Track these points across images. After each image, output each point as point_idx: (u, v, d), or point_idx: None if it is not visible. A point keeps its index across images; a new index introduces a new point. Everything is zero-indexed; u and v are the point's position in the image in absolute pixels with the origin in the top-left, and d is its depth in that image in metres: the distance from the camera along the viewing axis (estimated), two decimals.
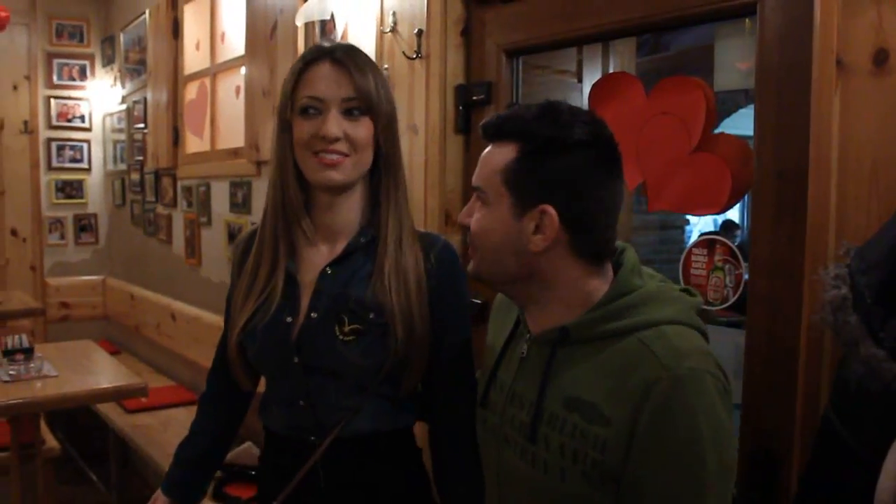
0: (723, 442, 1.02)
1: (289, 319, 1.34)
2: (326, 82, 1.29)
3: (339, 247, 1.37)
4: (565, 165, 1.11)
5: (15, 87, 5.21)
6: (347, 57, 1.30)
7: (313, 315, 1.33)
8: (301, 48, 2.95)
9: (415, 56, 2.33)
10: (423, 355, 1.35)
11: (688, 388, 1.01)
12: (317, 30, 2.86)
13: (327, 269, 1.36)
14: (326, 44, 1.34)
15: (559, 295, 1.16)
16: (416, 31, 2.32)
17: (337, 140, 1.29)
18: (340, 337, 1.30)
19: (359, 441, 1.36)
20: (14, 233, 5.29)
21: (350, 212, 1.38)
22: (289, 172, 1.35)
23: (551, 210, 1.11)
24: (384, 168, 1.36)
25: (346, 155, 1.30)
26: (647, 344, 1.06)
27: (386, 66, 2.47)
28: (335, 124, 1.28)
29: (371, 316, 1.31)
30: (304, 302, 1.35)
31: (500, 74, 2.18)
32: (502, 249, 1.15)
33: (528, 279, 1.17)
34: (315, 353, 1.32)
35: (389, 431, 1.39)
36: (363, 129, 1.31)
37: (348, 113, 1.30)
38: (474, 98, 2.23)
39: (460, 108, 2.27)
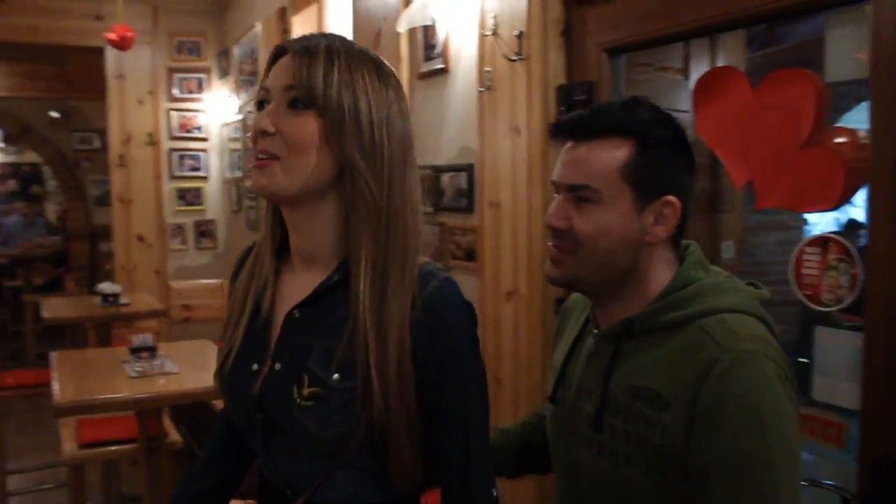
0: (783, 422, 1.02)
1: (255, 367, 1.10)
2: (276, 71, 1.05)
3: (316, 281, 1.08)
4: (678, 155, 1.16)
5: (140, 102, 5.52)
6: (303, 45, 1.04)
7: (277, 367, 1.08)
8: (405, 54, 3.01)
9: (516, 58, 2.34)
10: (406, 430, 1.04)
11: (745, 368, 1.02)
12: (419, 35, 2.91)
13: (295, 311, 1.09)
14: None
15: (642, 287, 1.17)
16: (516, 33, 2.33)
17: (265, 135, 1.02)
18: (298, 400, 1.04)
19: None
20: (141, 239, 5.60)
21: (318, 236, 1.08)
22: None
23: (675, 200, 1.14)
24: (348, 182, 1.03)
25: (276, 157, 1.02)
26: (707, 329, 1.07)
27: (488, 68, 2.49)
28: (267, 116, 1.02)
29: (335, 378, 1.02)
30: (272, 348, 1.10)
31: (602, 74, 2.16)
32: (619, 246, 1.14)
33: (624, 276, 1.17)
34: (275, 411, 1.07)
35: (380, 502, 1.10)
36: (302, 125, 1.01)
37: (292, 105, 1.02)
38: (576, 98, 2.22)
39: (562, 108, 2.26)
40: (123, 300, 4.57)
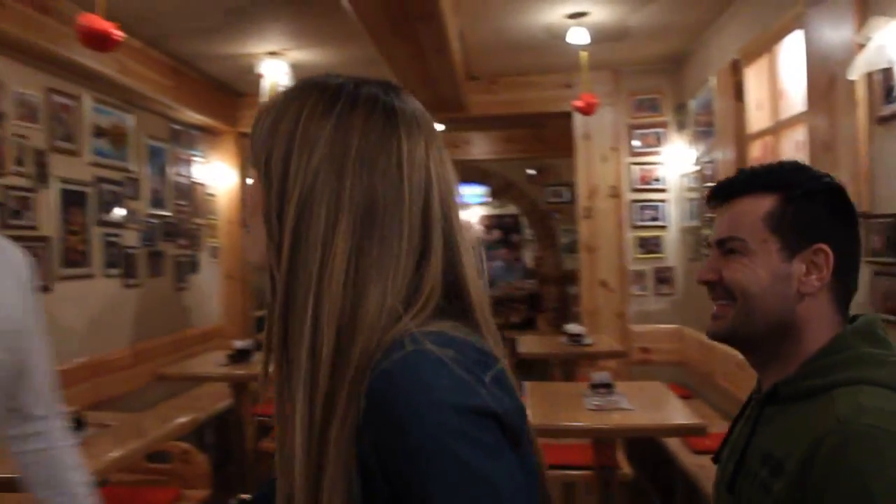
0: None
1: None
2: None
3: None
4: (831, 206, 1.14)
5: (604, 158, 6.01)
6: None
7: None
8: (861, 99, 2.92)
9: None
10: None
11: (859, 445, 0.93)
12: (877, 77, 2.80)
13: None
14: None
15: (800, 348, 1.13)
16: None
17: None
18: None
19: None
20: (604, 284, 6.05)
21: None
22: None
23: (827, 248, 1.11)
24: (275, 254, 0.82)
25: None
26: (835, 398, 1.01)
27: None
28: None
29: None
30: None
31: None
32: (769, 295, 1.12)
33: (783, 333, 1.13)
34: None
35: None
36: (253, 194, 0.86)
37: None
38: None
39: None
40: (587, 340, 5.01)
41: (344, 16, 4.17)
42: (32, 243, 4.22)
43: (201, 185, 6.45)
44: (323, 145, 0.81)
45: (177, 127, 6.03)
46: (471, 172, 10.05)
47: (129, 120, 5.29)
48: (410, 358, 0.71)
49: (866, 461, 0.93)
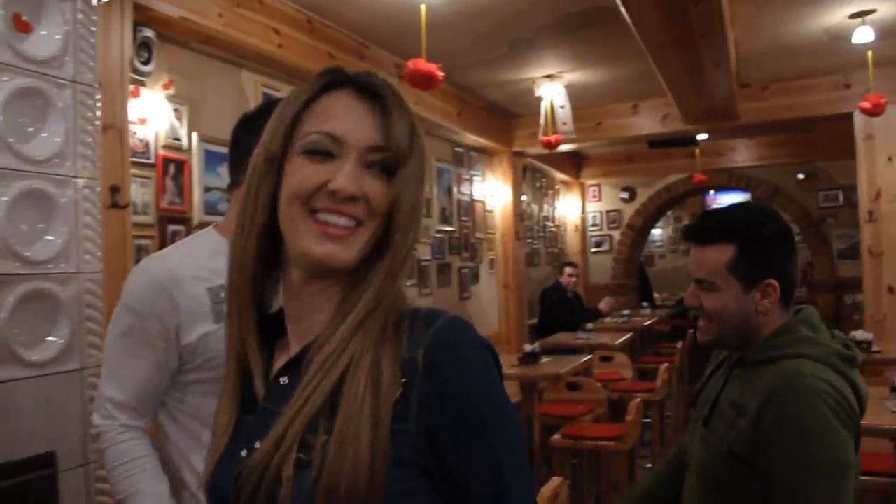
0: (828, 442, 1.33)
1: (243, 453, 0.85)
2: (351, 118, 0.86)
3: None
4: (777, 249, 1.56)
5: (889, 160, 5.75)
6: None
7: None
8: None
9: None
10: None
11: (797, 399, 1.37)
12: None
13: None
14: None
15: (763, 335, 1.55)
16: None
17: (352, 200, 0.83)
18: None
19: None
20: (891, 290, 5.78)
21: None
22: (254, 230, 0.88)
23: (774, 282, 1.53)
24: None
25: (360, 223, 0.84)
26: (782, 368, 1.45)
27: None
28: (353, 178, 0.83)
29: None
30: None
31: None
32: (737, 318, 1.55)
33: (748, 334, 1.56)
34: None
35: None
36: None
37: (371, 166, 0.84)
38: None
39: None
40: (875, 348, 4.85)
41: (620, 37, 4.46)
42: None
43: (480, 201, 6.99)
44: None
45: (459, 149, 6.61)
46: (735, 179, 9.87)
47: None
48: (455, 320, 0.83)
49: (801, 409, 1.37)
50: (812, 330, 1.54)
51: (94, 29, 2.31)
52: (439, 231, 6.18)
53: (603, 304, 6.92)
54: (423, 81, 3.47)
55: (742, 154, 9.01)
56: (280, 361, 0.90)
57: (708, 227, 1.61)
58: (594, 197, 10.46)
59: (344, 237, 0.82)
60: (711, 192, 12.10)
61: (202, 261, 1.54)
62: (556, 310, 6.60)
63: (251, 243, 0.87)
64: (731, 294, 1.55)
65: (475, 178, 6.93)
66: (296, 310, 0.88)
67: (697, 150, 8.59)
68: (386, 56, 4.85)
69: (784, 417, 1.37)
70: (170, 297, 1.49)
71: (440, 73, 3.48)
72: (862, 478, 3.55)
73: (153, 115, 3.40)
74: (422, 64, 3.45)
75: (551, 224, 9.37)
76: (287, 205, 0.83)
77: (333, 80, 0.87)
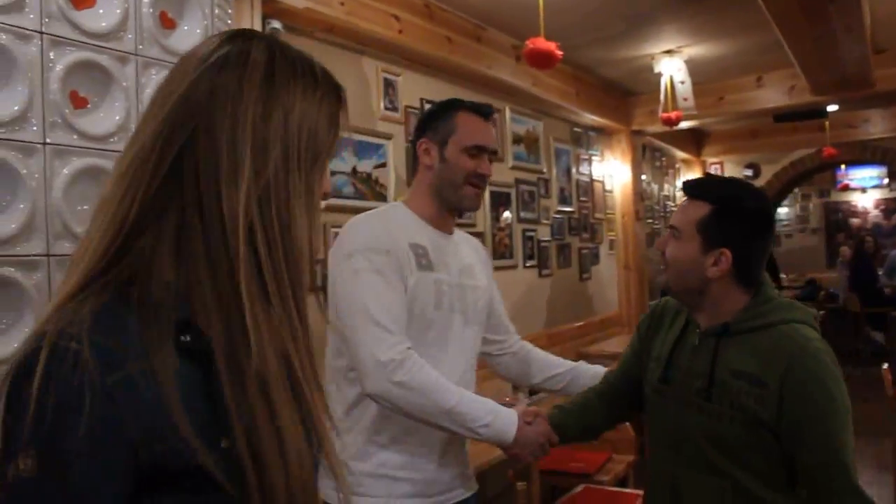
0: (842, 390, 1.55)
1: None
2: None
3: None
4: (743, 225, 1.66)
5: None
6: None
7: None
8: None
9: None
10: None
11: (817, 358, 1.56)
12: None
13: None
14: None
15: (722, 307, 1.69)
16: None
17: None
18: None
19: None
20: None
21: None
22: None
23: (728, 253, 1.65)
24: None
25: None
26: (786, 333, 1.61)
27: None
28: None
29: None
30: None
31: None
32: (687, 272, 1.70)
33: (702, 294, 1.70)
34: None
35: None
36: None
37: None
38: None
39: None
40: None
41: (743, 7, 4.33)
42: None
43: (599, 181, 6.93)
44: None
45: (577, 129, 6.57)
46: (870, 152, 9.37)
47: (539, 126, 5.91)
48: None
49: (819, 369, 1.55)
50: (777, 296, 1.73)
51: (229, 22, 2.45)
52: (559, 212, 6.17)
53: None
54: (543, 60, 3.48)
55: (877, 125, 8.53)
56: None
57: (700, 184, 1.80)
58: None
59: None
60: (842, 166, 11.56)
61: (397, 223, 1.88)
62: None
63: None
64: (689, 248, 1.69)
65: (594, 158, 6.86)
66: None
67: (827, 123, 8.18)
68: (503, 38, 4.87)
69: (808, 379, 1.54)
70: (396, 240, 1.82)
71: (559, 52, 3.48)
72: None
73: None
74: (541, 43, 3.46)
75: (672, 203, 9.16)
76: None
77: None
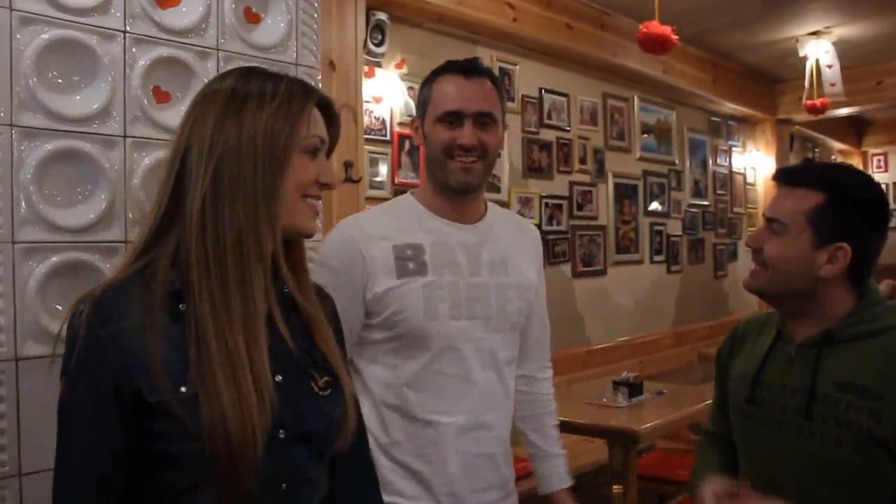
0: None
1: None
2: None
3: None
4: (866, 214, 1.44)
5: None
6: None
7: None
8: None
9: None
10: None
11: None
12: None
13: None
14: None
15: (826, 310, 1.45)
16: None
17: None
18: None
19: None
20: None
21: None
22: None
23: (847, 247, 1.41)
24: None
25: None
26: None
27: None
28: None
29: None
30: None
31: None
32: (795, 272, 1.44)
33: (807, 298, 1.45)
34: None
35: None
36: None
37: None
38: None
39: None
40: None
41: None
42: (592, 232, 4.82)
43: (740, 174, 6.55)
44: None
45: (715, 119, 6.23)
46: None
47: (671, 116, 5.65)
48: None
49: None
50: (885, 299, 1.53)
51: (315, 15, 2.45)
52: (692, 205, 5.88)
53: (884, 286, 6.20)
54: (657, 45, 3.30)
55: None
56: None
57: (805, 170, 1.58)
58: (879, 167, 9.36)
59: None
60: None
61: (393, 220, 1.70)
62: None
63: None
64: (798, 243, 1.44)
65: (734, 148, 6.49)
66: None
67: None
68: (629, 23, 4.66)
69: None
70: (359, 251, 1.63)
71: (674, 37, 3.28)
72: None
73: (388, 93, 3.55)
74: (655, 27, 3.28)
75: None
76: None
77: None
